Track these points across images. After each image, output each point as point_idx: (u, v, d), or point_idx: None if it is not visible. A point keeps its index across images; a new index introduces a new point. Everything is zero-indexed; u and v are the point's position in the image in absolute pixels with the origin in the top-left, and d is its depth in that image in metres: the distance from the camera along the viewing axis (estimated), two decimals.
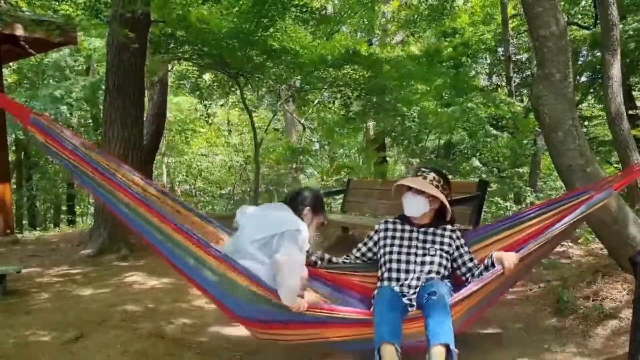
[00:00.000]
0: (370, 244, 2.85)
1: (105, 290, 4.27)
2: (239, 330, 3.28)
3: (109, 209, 2.62)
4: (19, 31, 5.82)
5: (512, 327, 3.35)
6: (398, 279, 2.61)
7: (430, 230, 2.73)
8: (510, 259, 2.41)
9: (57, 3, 5.71)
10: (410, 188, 2.70)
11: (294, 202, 2.60)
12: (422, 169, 2.78)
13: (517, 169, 8.11)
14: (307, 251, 2.64)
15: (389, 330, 2.29)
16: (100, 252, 5.56)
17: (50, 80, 12.81)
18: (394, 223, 2.82)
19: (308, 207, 2.58)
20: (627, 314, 3.09)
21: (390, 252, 2.70)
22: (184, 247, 2.38)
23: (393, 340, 2.25)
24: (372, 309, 2.45)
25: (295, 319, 2.36)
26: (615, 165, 7.64)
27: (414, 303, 2.46)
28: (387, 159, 11.64)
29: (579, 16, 10.83)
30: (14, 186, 11.53)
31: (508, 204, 7.25)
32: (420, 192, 2.67)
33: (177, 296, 4.08)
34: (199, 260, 2.37)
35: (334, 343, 2.60)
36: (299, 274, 2.34)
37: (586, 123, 9.83)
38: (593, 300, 3.35)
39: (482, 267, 2.59)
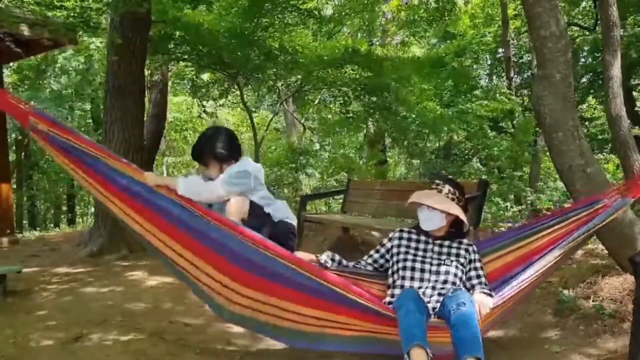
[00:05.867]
0: (383, 250, 2.79)
1: (105, 290, 4.27)
2: (239, 331, 3.29)
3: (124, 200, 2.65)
4: (20, 31, 5.80)
5: (513, 328, 3.36)
6: (411, 287, 2.54)
7: (447, 243, 2.69)
8: (484, 305, 2.39)
9: (50, 11, 5.67)
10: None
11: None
12: (437, 181, 2.70)
13: (516, 172, 8.10)
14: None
15: (421, 333, 2.19)
16: (100, 252, 5.55)
17: (51, 81, 12.82)
18: (410, 233, 2.76)
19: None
20: (627, 314, 3.09)
21: (405, 260, 2.64)
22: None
23: (424, 344, 2.16)
24: (391, 307, 2.40)
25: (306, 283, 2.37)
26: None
27: (431, 312, 2.41)
28: (388, 159, 11.64)
29: (580, 17, 10.85)
30: (14, 186, 11.51)
31: (508, 204, 7.25)
32: (435, 207, 2.61)
33: (177, 296, 4.08)
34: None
35: (346, 340, 2.50)
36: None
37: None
38: (593, 300, 3.34)
39: (479, 290, 2.56)
